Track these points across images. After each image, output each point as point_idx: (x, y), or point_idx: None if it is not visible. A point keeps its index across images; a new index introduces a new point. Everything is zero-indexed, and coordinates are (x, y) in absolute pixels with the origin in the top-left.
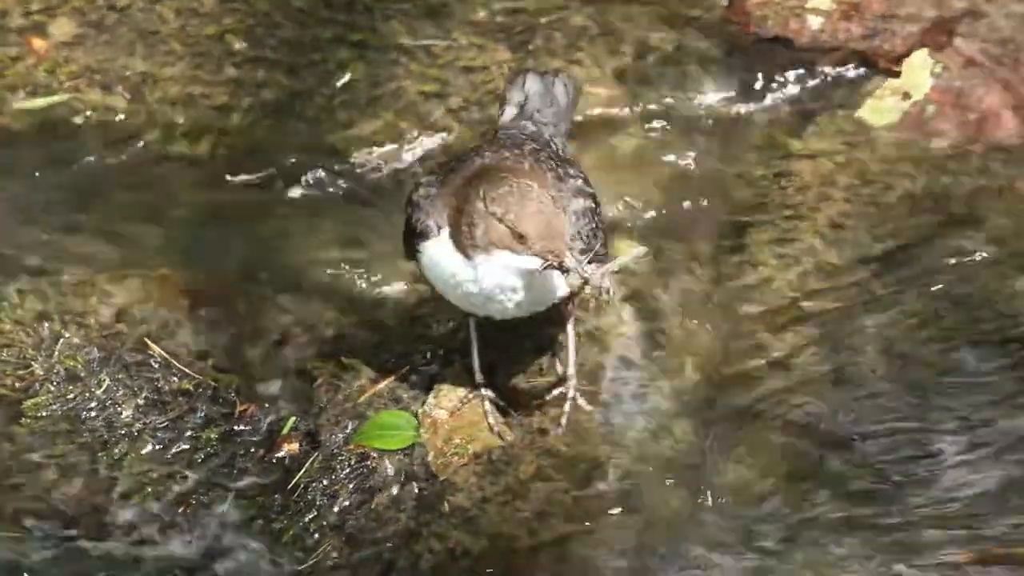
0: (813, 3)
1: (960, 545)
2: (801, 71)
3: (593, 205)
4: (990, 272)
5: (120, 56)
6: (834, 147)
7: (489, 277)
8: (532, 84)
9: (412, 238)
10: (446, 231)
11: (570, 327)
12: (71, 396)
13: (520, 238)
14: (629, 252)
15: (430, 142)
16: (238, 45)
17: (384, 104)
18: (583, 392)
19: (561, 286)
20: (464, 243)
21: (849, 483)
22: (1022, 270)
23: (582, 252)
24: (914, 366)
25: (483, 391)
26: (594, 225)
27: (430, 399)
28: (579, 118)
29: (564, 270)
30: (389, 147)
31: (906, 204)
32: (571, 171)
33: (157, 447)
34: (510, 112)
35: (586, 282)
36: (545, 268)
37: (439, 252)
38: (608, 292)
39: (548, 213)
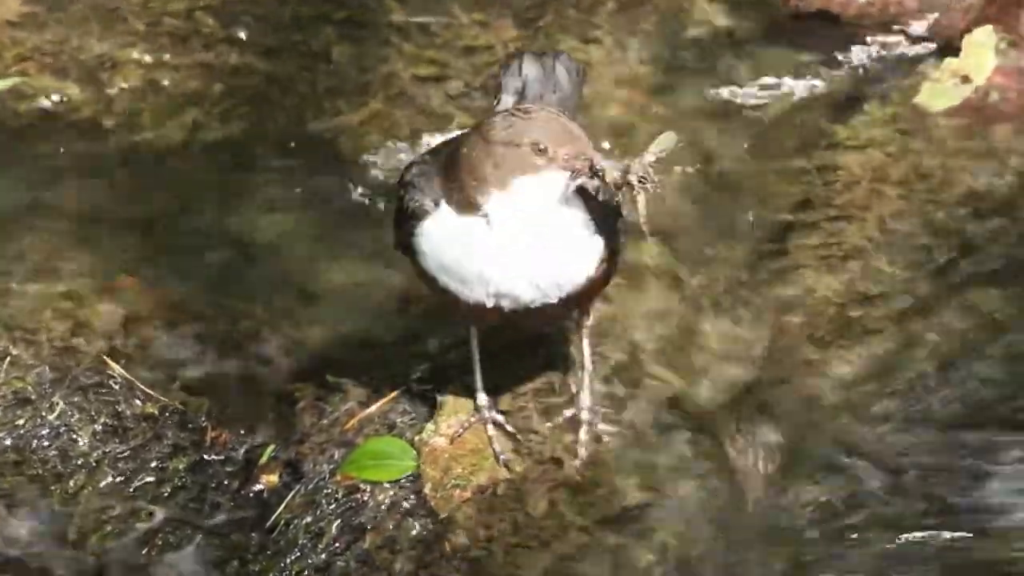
0: None
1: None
2: (847, 50)
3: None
4: None
5: (73, 36)
6: (886, 136)
7: (507, 223)
8: (529, 68)
9: (406, 222)
10: (444, 204)
11: (585, 341)
12: (20, 423)
13: (539, 150)
14: (662, 141)
15: None
16: (209, 24)
17: (374, 90)
18: (601, 416)
19: (588, 261)
20: (471, 196)
21: (896, 509)
22: None
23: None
24: (974, 384)
25: (487, 414)
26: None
27: (428, 424)
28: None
29: (596, 173)
30: None
31: (966, 201)
32: None
33: (118, 479)
34: (507, 101)
35: (627, 174)
36: (574, 180)
37: (439, 229)
38: (653, 181)
39: (562, 120)
